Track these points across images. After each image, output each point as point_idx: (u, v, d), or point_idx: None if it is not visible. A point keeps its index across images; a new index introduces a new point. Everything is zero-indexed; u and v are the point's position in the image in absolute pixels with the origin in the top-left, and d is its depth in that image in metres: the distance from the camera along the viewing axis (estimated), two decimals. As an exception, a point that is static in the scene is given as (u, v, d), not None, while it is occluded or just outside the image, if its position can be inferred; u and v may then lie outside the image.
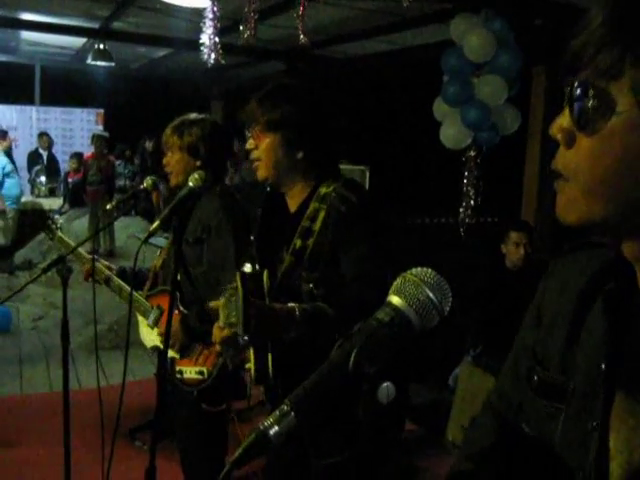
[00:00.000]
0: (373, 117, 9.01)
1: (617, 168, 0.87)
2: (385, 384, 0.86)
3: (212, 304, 2.22)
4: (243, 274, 2.04)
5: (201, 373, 3.22)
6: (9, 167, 10.29)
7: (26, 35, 10.45)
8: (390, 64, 9.53)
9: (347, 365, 0.83)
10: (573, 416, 1.02)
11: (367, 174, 7.41)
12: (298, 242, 2.28)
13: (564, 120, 0.93)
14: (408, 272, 0.95)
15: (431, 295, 0.92)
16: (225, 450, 3.42)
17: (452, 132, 6.24)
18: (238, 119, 2.44)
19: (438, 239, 7.45)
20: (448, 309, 0.93)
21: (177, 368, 3.27)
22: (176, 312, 3.11)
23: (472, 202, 6.44)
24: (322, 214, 2.26)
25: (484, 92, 5.98)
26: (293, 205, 2.42)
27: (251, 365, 2.28)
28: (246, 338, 2.00)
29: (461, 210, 6.53)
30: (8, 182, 10.21)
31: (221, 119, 12.67)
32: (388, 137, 9.38)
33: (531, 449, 1.16)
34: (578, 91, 0.89)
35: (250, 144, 2.40)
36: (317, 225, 2.26)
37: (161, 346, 3.31)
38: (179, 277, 3.09)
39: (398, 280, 0.94)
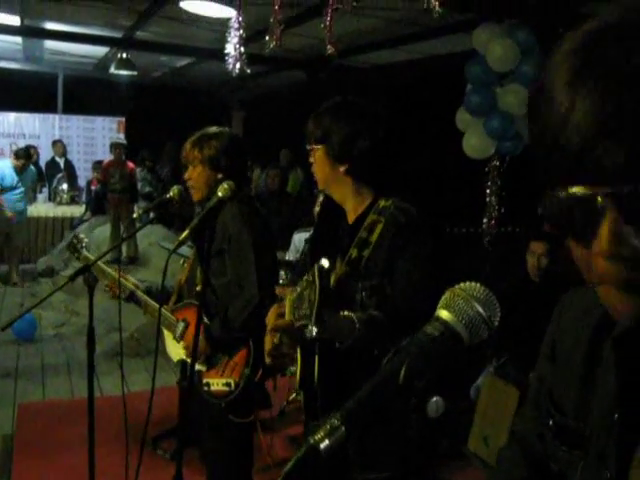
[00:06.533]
0: (395, 126, 9.01)
1: None
2: (434, 398, 0.85)
3: (279, 290, 2.24)
4: (321, 268, 2.05)
5: (228, 385, 3.22)
6: (7, 182, 10.31)
7: (50, 44, 10.56)
8: (413, 73, 9.53)
9: (397, 379, 0.83)
10: (591, 465, 0.99)
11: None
12: (354, 252, 2.31)
13: (620, 234, 0.73)
14: (457, 287, 0.94)
15: (481, 310, 0.91)
16: (251, 459, 3.42)
17: (475, 142, 6.23)
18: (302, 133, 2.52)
19: (461, 249, 7.42)
20: (497, 323, 0.92)
21: (204, 380, 3.27)
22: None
23: (495, 212, 6.42)
24: (380, 226, 2.30)
25: (507, 102, 5.97)
26: (352, 217, 2.45)
27: (297, 369, 2.30)
28: (315, 332, 1.99)
29: (484, 220, 6.51)
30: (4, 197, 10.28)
31: (242, 128, 12.73)
32: (410, 146, 9.37)
33: None
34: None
35: (311, 159, 2.48)
36: (374, 237, 2.29)
37: (187, 359, 3.32)
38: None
39: (447, 295, 0.93)
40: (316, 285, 2.02)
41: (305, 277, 2.11)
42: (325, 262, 2.06)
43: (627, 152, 0.69)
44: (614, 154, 0.70)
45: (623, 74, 0.70)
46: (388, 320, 2.12)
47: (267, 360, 2.27)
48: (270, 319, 2.23)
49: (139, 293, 3.49)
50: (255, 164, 12.34)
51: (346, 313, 2.10)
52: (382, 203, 2.37)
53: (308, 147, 2.48)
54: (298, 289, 2.13)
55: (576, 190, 0.74)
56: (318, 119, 2.43)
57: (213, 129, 3.42)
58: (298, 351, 2.30)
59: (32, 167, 11.33)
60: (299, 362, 2.30)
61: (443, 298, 0.94)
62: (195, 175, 3.33)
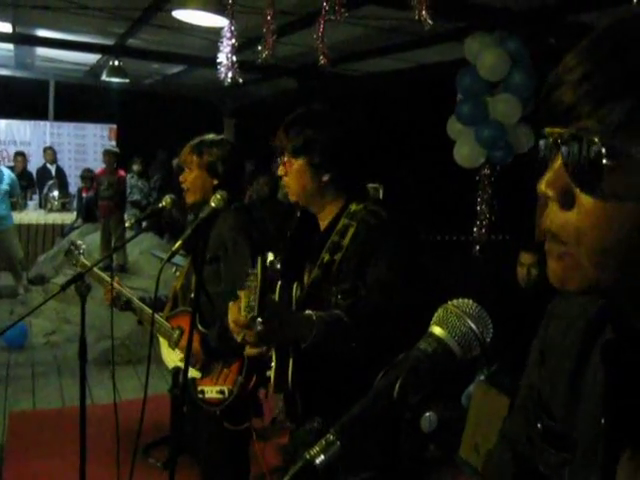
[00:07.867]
0: (387, 135, 9.04)
1: (633, 233, 0.77)
2: (428, 414, 0.87)
3: (239, 291, 2.27)
4: (263, 260, 2.12)
5: (222, 392, 3.22)
6: None
7: (41, 51, 10.54)
8: (404, 82, 9.56)
9: (392, 394, 0.84)
10: (578, 469, 1.01)
11: (380, 192, 7.42)
12: (326, 256, 2.32)
13: (556, 176, 0.81)
14: (449, 303, 0.95)
15: (473, 326, 0.92)
16: (247, 469, 3.43)
17: (466, 151, 6.26)
18: (272, 146, 2.49)
19: (452, 256, 7.46)
20: (489, 340, 0.93)
21: (198, 388, 3.28)
22: (195, 333, 3.12)
23: (486, 220, 6.45)
24: (352, 230, 2.31)
25: (498, 111, 6.01)
26: (324, 224, 2.46)
27: (272, 372, 2.32)
28: (259, 321, 2.06)
29: (475, 228, 6.54)
30: None
31: (233, 135, 12.73)
32: (402, 155, 9.41)
33: None
34: (582, 146, 0.78)
35: (280, 170, 2.46)
36: (346, 240, 2.30)
37: (182, 366, 3.33)
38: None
39: (440, 311, 0.95)
40: (258, 276, 2.07)
41: (252, 271, 2.17)
42: (270, 255, 2.12)
43: (595, 103, 0.78)
44: (585, 102, 0.79)
45: (606, 56, 0.80)
46: (352, 318, 2.15)
47: (249, 352, 2.32)
48: (230, 313, 2.26)
49: (135, 301, 3.50)
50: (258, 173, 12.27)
51: (306, 312, 2.15)
52: (354, 207, 2.37)
53: (281, 160, 2.45)
54: (248, 282, 2.17)
55: (547, 128, 0.84)
56: (293, 130, 2.41)
57: (213, 136, 3.46)
58: (273, 353, 2.33)
59: (2, 170, 10.20)
60: (274, 364, 2.33)
61: (436, 315, 0.95)
62: (191, 178, 3.36)
